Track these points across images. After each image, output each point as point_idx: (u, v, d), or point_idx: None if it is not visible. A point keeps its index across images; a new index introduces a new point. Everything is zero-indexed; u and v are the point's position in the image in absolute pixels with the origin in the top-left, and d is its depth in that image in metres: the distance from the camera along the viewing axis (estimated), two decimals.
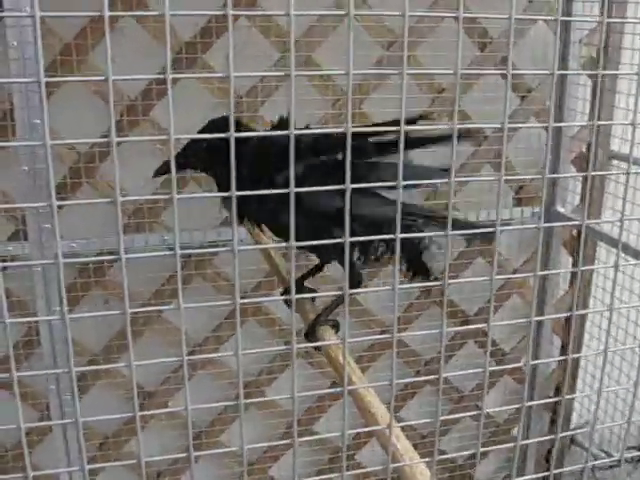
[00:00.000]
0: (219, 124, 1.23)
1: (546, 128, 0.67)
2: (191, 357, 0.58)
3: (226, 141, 0.59)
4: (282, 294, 1.41)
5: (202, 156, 1.26)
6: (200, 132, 1.24)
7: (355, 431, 0.58)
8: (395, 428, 0.84)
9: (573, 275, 2.36)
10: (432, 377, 0.69)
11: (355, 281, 1.26)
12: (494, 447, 0.84)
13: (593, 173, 0.93)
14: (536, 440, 2.42)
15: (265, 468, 2.31)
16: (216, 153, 1.20)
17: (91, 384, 2.04)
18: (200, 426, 2.21)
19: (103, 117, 1.82)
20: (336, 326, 1.29)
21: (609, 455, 2.52)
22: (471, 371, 0.71)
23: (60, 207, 1.64)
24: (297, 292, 1.27)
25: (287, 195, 0.66)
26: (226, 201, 1.22)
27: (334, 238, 1.19)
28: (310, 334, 1.26)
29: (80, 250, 1.87)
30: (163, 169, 1.31)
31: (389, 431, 0.71)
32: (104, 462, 2.14)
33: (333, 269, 1.39)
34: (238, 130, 1.20)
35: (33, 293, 1.86)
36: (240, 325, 1.80)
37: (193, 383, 2.11)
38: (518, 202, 2.20)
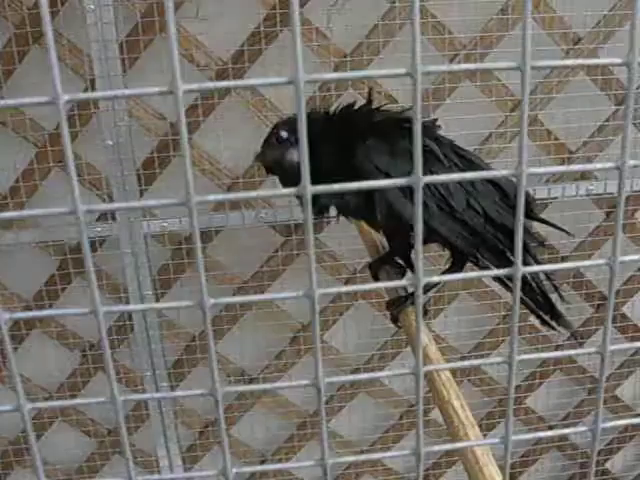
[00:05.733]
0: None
1: None
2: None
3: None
4: (369, 266, 1.28)
5: None
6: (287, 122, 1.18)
7: None
8: None
9: None
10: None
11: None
12: None
13: None
14: None
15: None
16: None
17: (187, 371, 1.91)
18: (308, 411, 2.06)
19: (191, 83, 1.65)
20: (425, 313, 1.21)
21: None
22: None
23: (150, 183, 1.49)
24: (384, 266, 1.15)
25: None
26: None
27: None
28: (394, 308, 1.17)
29: (173, 228, 1.73)
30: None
31: None
32: (203, 450, 2.03)
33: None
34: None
35: (124, 276, 1.74)
36: (349, 306, 1.57)
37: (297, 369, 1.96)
38: None
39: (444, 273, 1.22)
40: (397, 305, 1.15)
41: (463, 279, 1.28)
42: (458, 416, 0.80)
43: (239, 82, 0.34)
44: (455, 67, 0.35)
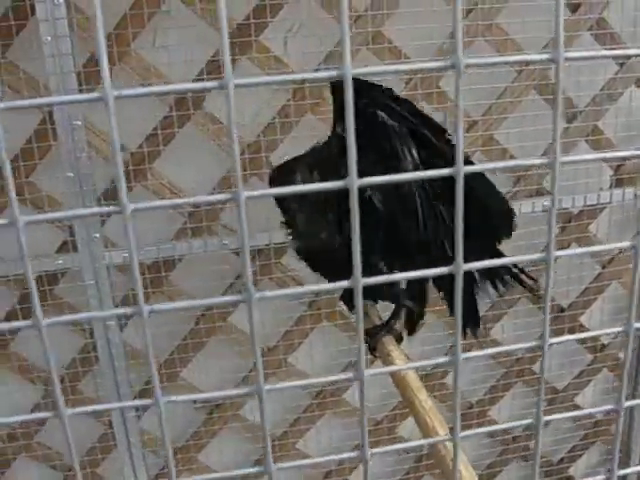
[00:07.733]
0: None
1: None
2: None
3: None
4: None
5: None
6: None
7: None
8: None
9: None
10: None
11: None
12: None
13: None
14: None
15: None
16: None
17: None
18: (275, 434, 2.05)
19: (151, 111, 1.65)
20: (399, 339, 1.20)
21: None
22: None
23: (110, 214, 1.49)
24: (375, 335, 1.13)
25: None
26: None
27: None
28: (371, 338, 1.18)
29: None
30: None
31: None
32: None
33: None
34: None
35: (88, 307, 1.72)
36: (313, 328, 1.61)
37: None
38: (618, 183, 1.95)
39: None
40: (373, 335, 1.16)
41: None
42: (445, 446, 0.81)
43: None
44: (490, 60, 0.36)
